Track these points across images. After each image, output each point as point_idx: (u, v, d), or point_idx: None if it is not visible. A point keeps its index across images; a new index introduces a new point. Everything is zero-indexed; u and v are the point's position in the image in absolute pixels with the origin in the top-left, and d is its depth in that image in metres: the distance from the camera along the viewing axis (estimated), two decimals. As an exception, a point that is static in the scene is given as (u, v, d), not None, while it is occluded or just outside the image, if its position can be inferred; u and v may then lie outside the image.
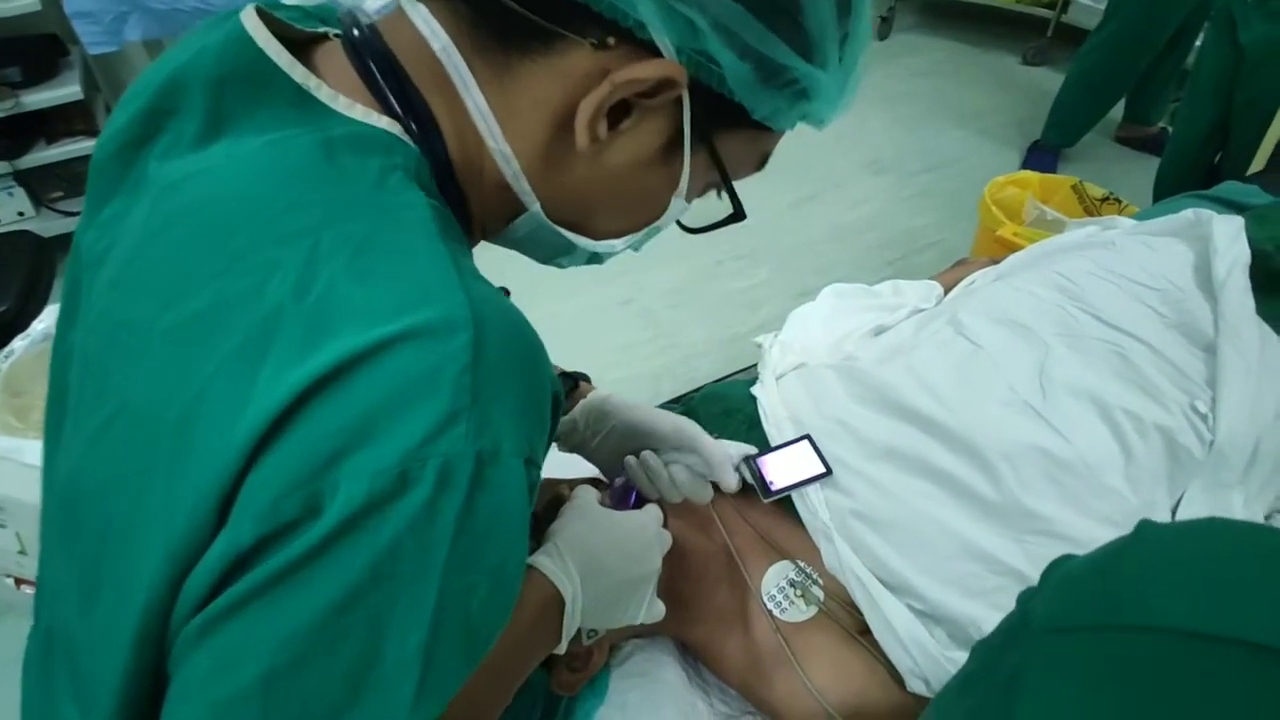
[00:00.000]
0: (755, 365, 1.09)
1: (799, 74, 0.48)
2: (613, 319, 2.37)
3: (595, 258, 0.61)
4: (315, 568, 0.38)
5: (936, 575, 0.79)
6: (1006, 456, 0.86)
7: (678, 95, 0.48)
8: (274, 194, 0.45)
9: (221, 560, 0.39)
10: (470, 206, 0.54)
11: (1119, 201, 2.13)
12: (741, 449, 0.84)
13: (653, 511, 0.76)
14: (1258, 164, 1.90)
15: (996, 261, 1.23)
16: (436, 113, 0.50)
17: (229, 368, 0.41)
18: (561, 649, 0.66)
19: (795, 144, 0.63)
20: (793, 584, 0.81)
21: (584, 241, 0.57)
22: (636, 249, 0.61)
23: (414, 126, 0.49)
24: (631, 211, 0.57)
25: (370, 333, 0.40)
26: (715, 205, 0.59)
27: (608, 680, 0.79)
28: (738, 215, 0.58)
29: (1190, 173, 2.31)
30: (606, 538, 0.70)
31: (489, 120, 0.50)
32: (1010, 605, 0.83)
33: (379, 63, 0.49)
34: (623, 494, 0.82)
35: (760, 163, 0.58)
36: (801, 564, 0.82)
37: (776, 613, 0.80)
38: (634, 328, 2.34)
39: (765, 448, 0.87)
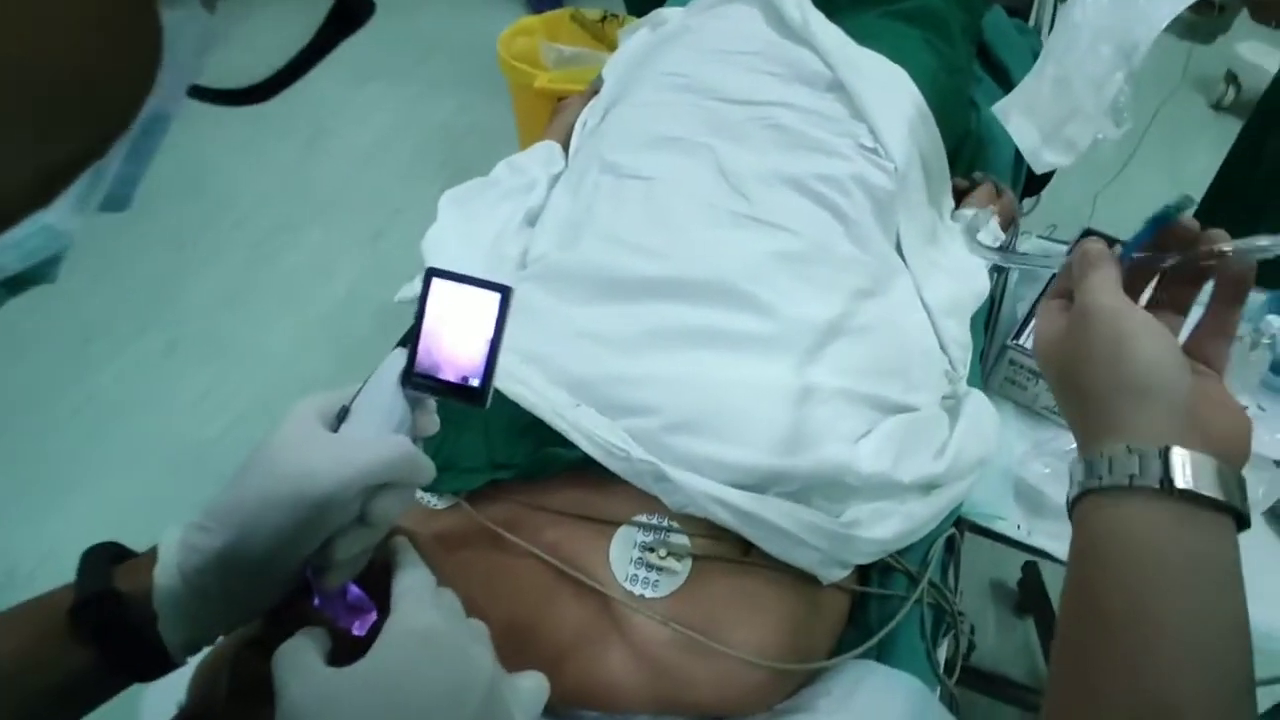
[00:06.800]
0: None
1: None
2: (162, 376, 1.83)
3: None
4: None
5: (778, 443, 0.65)
6: (752, 278, 0.73)
7: None
8: None
9: None
10: None
11: (617, 16, 2.11)
12: (395, 364, 0.47)
13: (408, 581, 0.45)
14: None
15: (591, 95, 1.08)
16: None
17: None
18: None
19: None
20: (649, 549, 0.61)
21: None
22: None
23: None
24: None
25: None
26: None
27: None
28: None
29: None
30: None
31: None
32: (855, 427, 0.72)
33: None
34: (340, 604, 0.47)
35: None
36: (643, 518, 0.62)
37: (649, 593, 0.60)
38: (196, 372, 1.83)
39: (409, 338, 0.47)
